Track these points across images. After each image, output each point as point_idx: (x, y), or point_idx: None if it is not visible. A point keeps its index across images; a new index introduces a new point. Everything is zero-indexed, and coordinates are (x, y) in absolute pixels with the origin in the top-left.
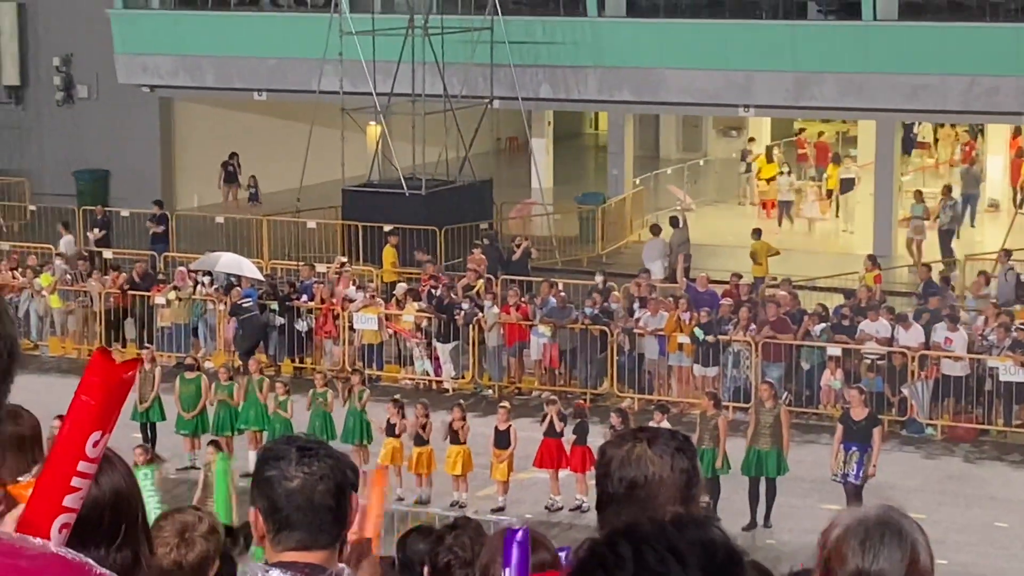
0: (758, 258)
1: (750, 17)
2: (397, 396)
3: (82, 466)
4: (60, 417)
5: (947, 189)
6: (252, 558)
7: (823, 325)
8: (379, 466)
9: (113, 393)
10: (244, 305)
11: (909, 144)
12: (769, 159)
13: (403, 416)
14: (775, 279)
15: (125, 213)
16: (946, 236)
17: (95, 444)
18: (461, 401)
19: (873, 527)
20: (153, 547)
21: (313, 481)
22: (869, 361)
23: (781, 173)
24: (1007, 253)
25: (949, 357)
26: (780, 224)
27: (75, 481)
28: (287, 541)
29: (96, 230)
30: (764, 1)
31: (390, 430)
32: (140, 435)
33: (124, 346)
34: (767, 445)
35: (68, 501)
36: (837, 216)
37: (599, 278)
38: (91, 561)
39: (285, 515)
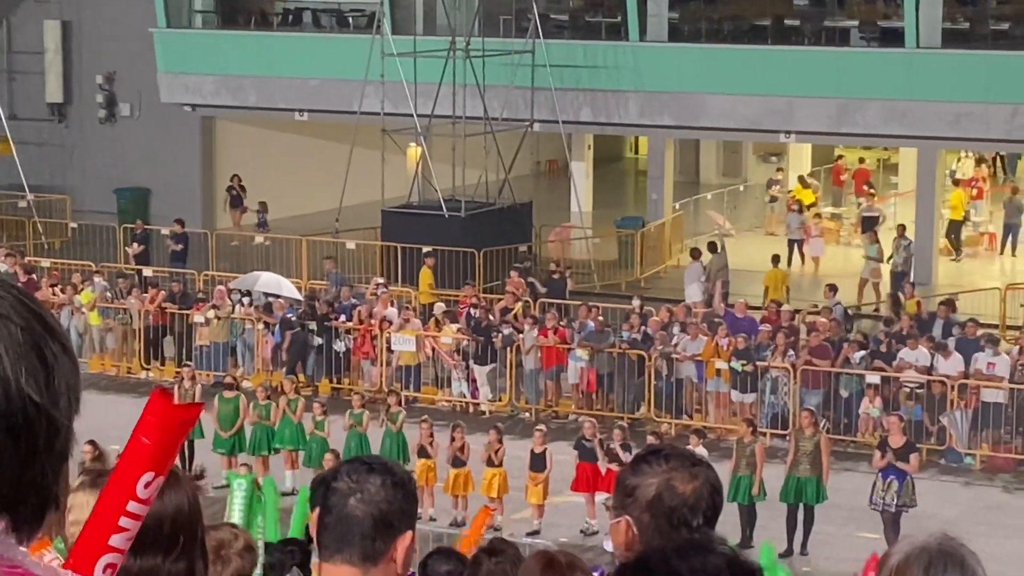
0: (772, 288)
1: (792, 43)
2: (425, 417)
3: (132, 507)
4: (91, 443)
5: (901, 228)
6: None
7: (862, 352)
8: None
9: (170, 435)
10: (291, 319)
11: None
12: (804, 185)
13: (432, 437)
14: (816, 306)
15: (165, 231)
16: (899, 277)
17: (147, 485)
18: (499, 424)
19: (936, 556)
20: (208, 564)
21: (354, 489)
22: (908, 389)
23: (812, 205)
24: None
25: (990, 385)
26: (789, 264)
27: (123, 521)
28: (321, 547)
29: (136, 244)
30: (807, 27)
31: (422, 452)
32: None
33: (163, 364)
34: (807, 472)
35: (115, 541)
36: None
37: (636, 302)
38: None
39: (323, 517)
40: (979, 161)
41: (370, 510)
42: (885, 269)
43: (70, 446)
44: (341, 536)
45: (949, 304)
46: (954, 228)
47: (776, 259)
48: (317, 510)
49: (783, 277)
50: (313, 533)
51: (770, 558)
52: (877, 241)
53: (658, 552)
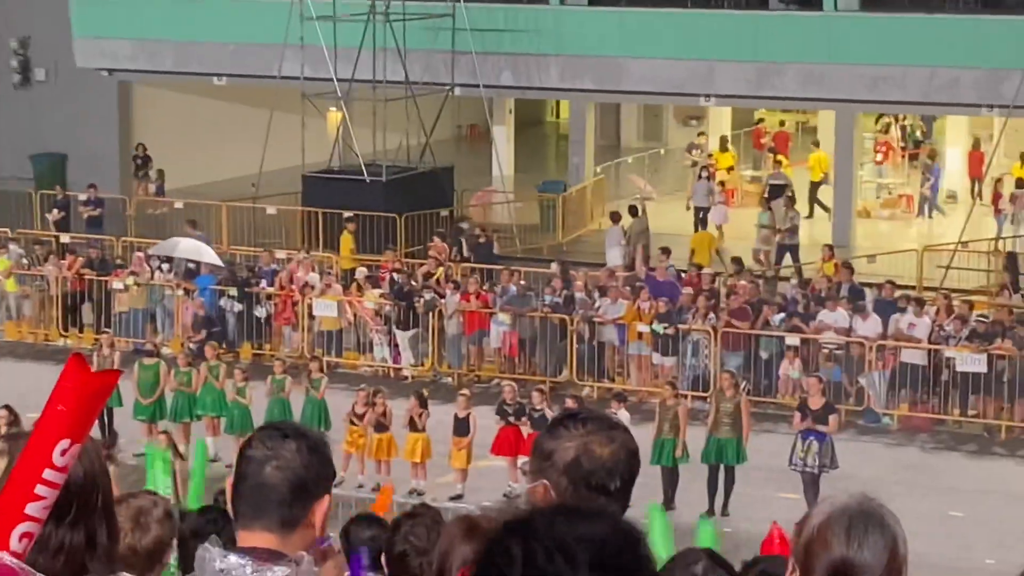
0: (699, 251)
1: (712, 7)
2: (364, 385)
3: (48, 475)
4: (6, 408)
5: (791, 201)
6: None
7: (782, 315)
8: (389, 483)
9: (87, 402)
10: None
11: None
12: (723, 149)
13: (371, 406)
14: (738, 268)
15: (83, 197)
16: (785, 249)
17: (63, 453)
18: (420, 390)
19: (857, 516)
20: (116, 534)
21: (268, 456)
22: (827, 351)
23: (731, 168)
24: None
25: (908, 346)
26: (697, 229)
27: (40, 489)
28: (237, 515)
29: (56, 211)
30: None
31: (358, 418)
32: (96, 421)
33: (81, 331)
34: (727, 434)
35: (31, 510)
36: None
37: (555, 266)
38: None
39: (239, 485)
40: (886, 128)
41: (287, 476)
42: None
43: None
44: (258, 504)
45: (847, 267)
46: (814, 189)
47: (703, 222)
48: (231, 478)
49: (710, 240)
50: (229, 500)
51: (661, 521)
52: (769, 209)
53: (543, 515)
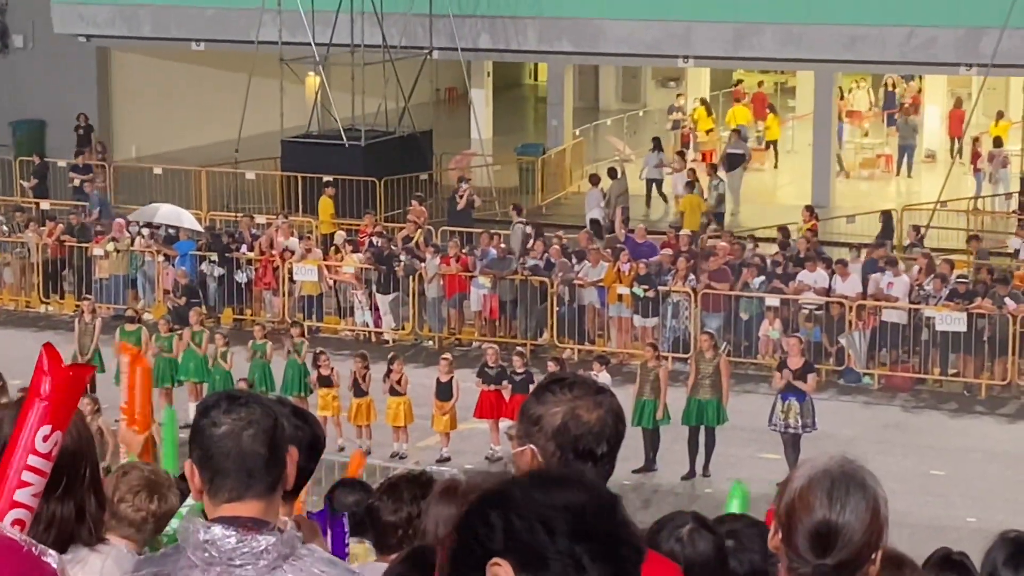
0: (689, 214)
1: None
2: (321, 350)
3: (34, 461)
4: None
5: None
6: (192, 513)
7: (762, 278)
8: (358, 449)
9: (65, 392)
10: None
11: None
12: (708, 112)
13: (331, 368)
14: (717, 230)
15: (62, 163)
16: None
17: (45, 439)
18: (393, 353)
19: (838, 478)
20: (104, 504)
21: (240, 426)
22: (807, 311)
23: (711, 130)
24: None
25: (888, 306)
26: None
27: (27, 476)
28: (220, 492)
29: (32, 179)
30: None
31: (324, 381)
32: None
33: (62, 298)
34: (707, 395)
35: (21, 496)
36: (776, 167)
37: (529, 229)
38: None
39: (216, 463)
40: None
41: (264, 440)
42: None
43: None
44: (247, 474)
45: (783, 231)
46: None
47: (692, 185)
48: (199, 459)
49: (699, 203)
50: (197, 482)
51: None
52: (696, 179)
53: (521, 486)
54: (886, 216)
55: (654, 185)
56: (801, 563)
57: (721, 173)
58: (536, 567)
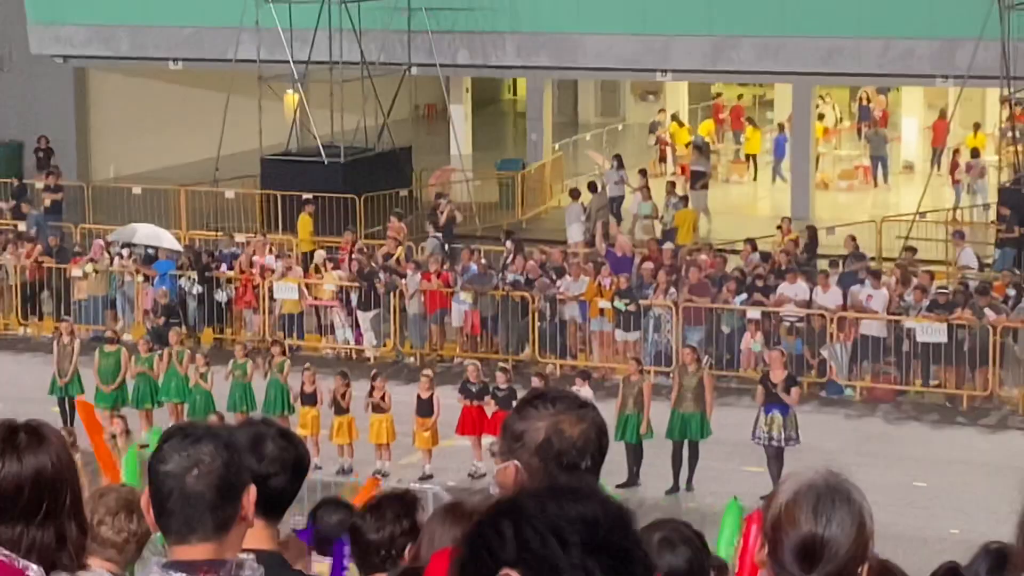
0: (682, 228)
1: None
2: (308, 365)
3: None
4: None
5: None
6: (154, 543)
7: (744, 296)
8: (372, 476)
9: None
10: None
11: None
12: (680, 124)
13: (314, 384)
14: (696, 243)
15: (40, 185)
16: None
17: None
18: (382, 373)
19: (824, 492)
20: (86, 529)
21: (186, 466)
22: (788, 323)
23: (688, 144)
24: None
25: (868, 317)
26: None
27: None
28: (167, 533)
29: (11, 200)
30: None
31: (307, 399)
32: (58, 409)
33: (41, 319)
34: (691, 408)
35: None
36: (755, 180)
37: (509, 244)
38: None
39: (161, 502)
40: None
41: (211, 481)
42: (658, 226)
43: None
44: (189, 517)
45: (751, 243)
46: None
47: (685, 200)
48: (150, 494)
49: (693, 217)
50: (150, 518)
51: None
52: (650, 198)
53: (533, 497)
54: (811, 230)
55: (612, 203)
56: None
57: (680, 190)
58: None
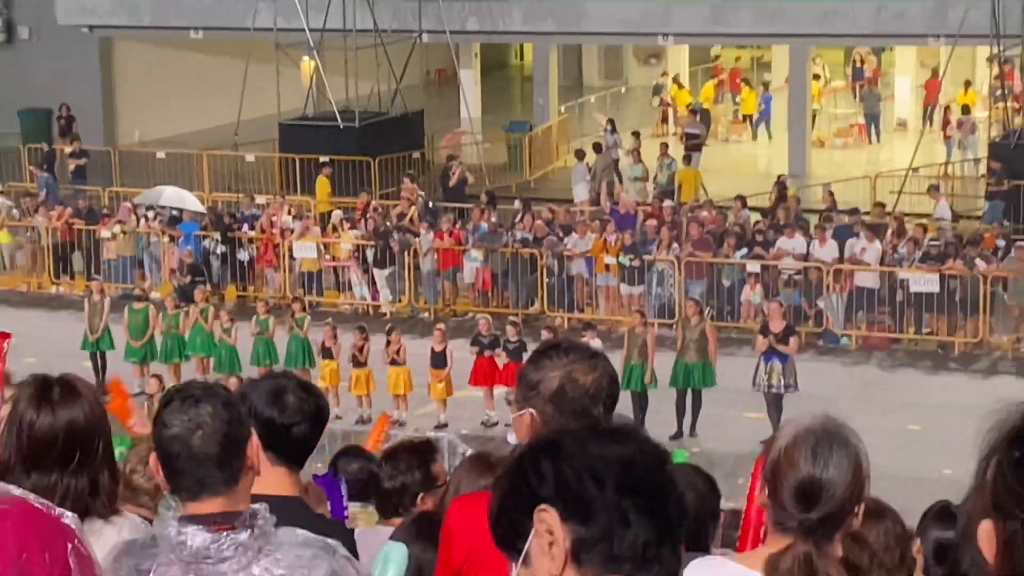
0: (686, 186)
1: None
2: (329, 320)
3: None
4: None
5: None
6: (162, 506)
7: (743, 250)
8: (383, 413)
9: None
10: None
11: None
12: (680, 87)
13: (336, 339)
14: (698, 200)
15: (68, 149)
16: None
17: None
18: (391, 325)
19: (821, 436)
20: (117, 477)
21: (190, 429)
22: (786, 276)
23: (689, 105)
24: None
25: (863, 269)
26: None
27: None
28: (179, 491)
29: (42, 165)
30: None
31: (326, 353)
32: (90, 364)
33: (72, 278)
34: (694, 358)
35: None
36: (754, 139)
37: (517, 204)
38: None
39: (169, 463)
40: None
41: (215, 439)
42: (650, 188)
43: None
44: (198, 475)
45: (741, 200)
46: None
47: (688, 159)
48: (158, 457)
49: (696, 175)
50: (160, 478)
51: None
52: (640, 161)
53: (572, 435)
54: (780, 186)
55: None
56: (787, 517)
57: (673, 152)
58: (582, 516)
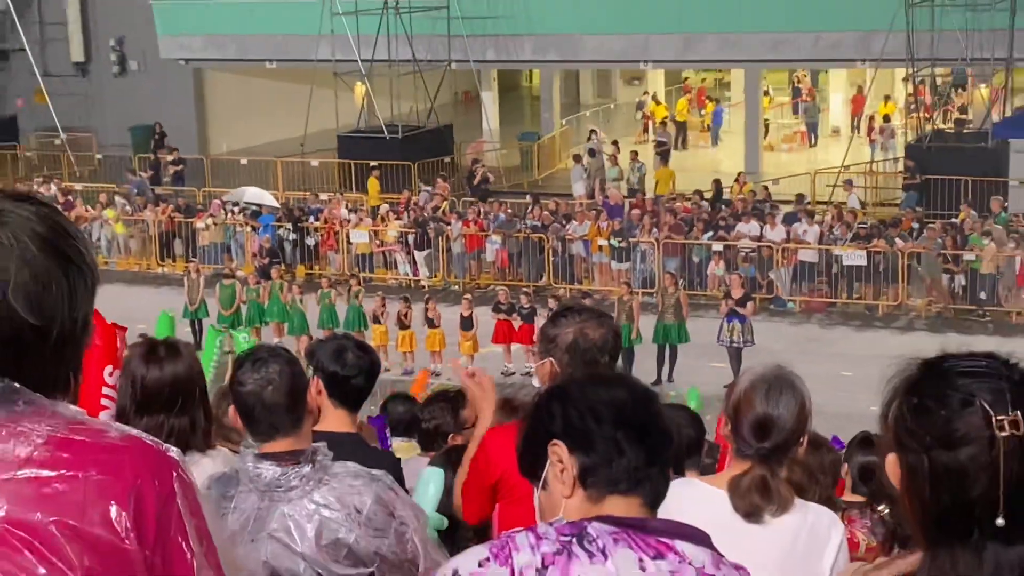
0: (661, 183)
1: None
2: (379, 292)
3: (106, 391)
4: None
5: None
6: (243, 445)
7: (710, 233)
8: (424, 369)
9: (109, 340)
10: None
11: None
12: (658, 103)
13: (384, 307)
14: (673, 195)
15: (169, 158)
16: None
17: (111, 375)
18: (434, 297)
19: (774, 382)
20: (211, 417)
21: (262, 384)
22: (744, 253)
23: (664, 118)
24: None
25: (804, 247)
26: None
27: (104, 402)
28: (256, 435)
29: (149, 171)
30: None
31: (376, 318)
32: (189, 329)
33: (174, 261)
34: (671, 320)
35: (103, 415)
36: (714, 146)
37: (528, 198)
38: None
39: (247, 414)
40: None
41: (284, 392)
42: (623, 187)
43: (78, 345)
44: (273, 421)
45: (698, 193)
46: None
47: (662, 160)
48: (236, 409)
49: (670, 174)
50: (241, 426)
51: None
52: (617, 164)
53: (576, 382)
54: (717, 184)
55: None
56: (746, 447)
57: (643, 158)
58: (585, 448)
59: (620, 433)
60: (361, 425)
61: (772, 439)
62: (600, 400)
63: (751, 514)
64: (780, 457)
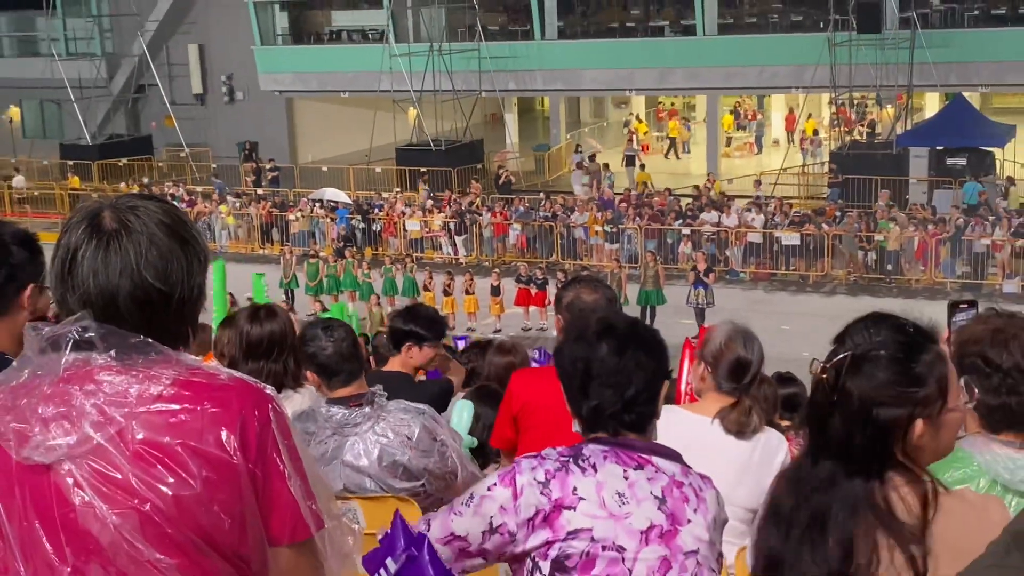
0: (640, 183)
1: (632, 36)
2: (428, 268)
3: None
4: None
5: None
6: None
7: (680, 220)
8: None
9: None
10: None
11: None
12: (640, 121)
13: (432, 279)
14: (651, 190)
15: (268, 166)
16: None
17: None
18: (470, 271)
19: (745, 333)
20: (300, 364)
21: (338, 342)
22: (707, 235)
23: (645, 133)
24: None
25: (752, 231)
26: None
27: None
28: (335, 384)
29: (252, 176)
30: (639, 26)
31: (426, 288)
32: (284, 297)
33: (272, 245)
34: (651, 287)
35: None
36: (678, 157)
37: (541, 195)
38: (258, 380)
39: (328, 368)
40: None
41: (348, 346)
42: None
43: (194, 307)
44: (346, 372)
45: (668, 191)
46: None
47: (642, 166)
48: (314, 366)
49: (647, 176)
50: (314, 379)
51: None
52: (588, 173)
53: (563, 341)
54: (667, 190)
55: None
56: (726, 384)
57: (616, 168)
58: (582, 389)
59: (608, 338)
60: (439, 354)
61: (746, 378)
62: (599, 321)
63: (740, 432)
64: (747, 392)
